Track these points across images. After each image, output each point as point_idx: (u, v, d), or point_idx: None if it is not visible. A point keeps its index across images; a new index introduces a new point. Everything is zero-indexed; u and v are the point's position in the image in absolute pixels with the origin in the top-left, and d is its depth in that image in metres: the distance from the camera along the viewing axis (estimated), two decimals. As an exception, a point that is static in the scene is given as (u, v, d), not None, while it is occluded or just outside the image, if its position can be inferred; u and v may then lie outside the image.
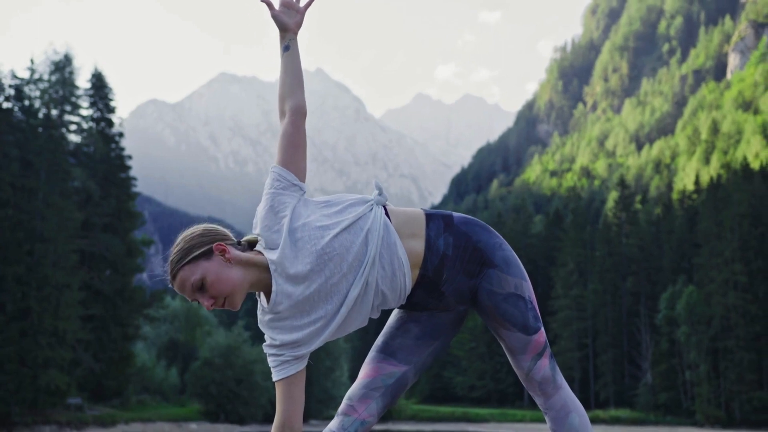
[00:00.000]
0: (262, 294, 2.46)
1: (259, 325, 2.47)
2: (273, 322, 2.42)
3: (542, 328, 2.53)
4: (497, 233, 2.54)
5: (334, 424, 2.51)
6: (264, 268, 2.39)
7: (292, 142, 2.50)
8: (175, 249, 2.40)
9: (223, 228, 2.48)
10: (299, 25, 2.63)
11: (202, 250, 2.36)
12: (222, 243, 2.37)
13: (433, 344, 2.59)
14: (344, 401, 2.53)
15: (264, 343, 2.46)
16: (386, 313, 2.75)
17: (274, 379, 2.43)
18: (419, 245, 2.44)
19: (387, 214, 2.46)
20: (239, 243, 2.47)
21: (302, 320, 2.39)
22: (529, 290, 2.50)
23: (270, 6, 2.60)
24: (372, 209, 2.43)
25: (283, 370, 2.41)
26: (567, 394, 2.58)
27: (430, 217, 2.49)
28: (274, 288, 2.36)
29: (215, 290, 2.33)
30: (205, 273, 2.32)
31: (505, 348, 2.56)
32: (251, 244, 2.48)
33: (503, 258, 2.48)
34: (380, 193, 2.47)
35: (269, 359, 2.44)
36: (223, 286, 2.32)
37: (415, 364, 2.57)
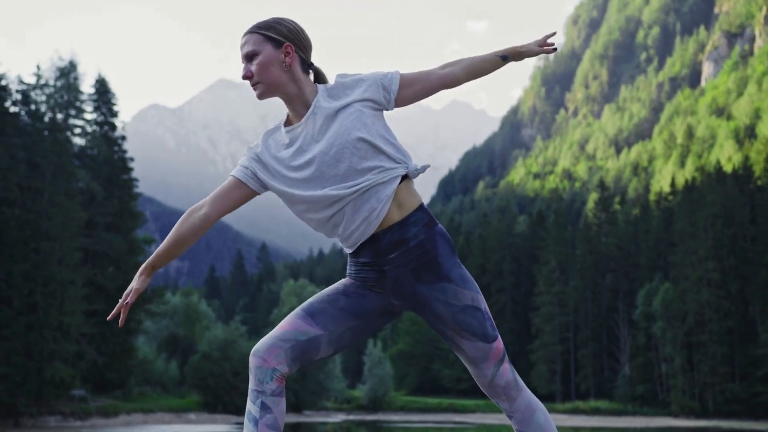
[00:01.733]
0: (281, 125, 2.54)
1: (262, 136, 2.54)
2: (273, 141, 2.52)
3: (499, 336, 2.51)
4: (458, 259, 2.53)
5: (251, 383, 2.44)
6: (303, 96, 2.48)
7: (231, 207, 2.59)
8: (266, 18, 2.50)
9: (308, 42, 2.53)
10: (140, 290, 2.51)
11: (276, 37, 2.44)
12: (293, 48, 2.46)
13: (353, 322, 2.50)
14: (252, 356, 2.45)
15: (250, 148, 2.52)
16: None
17: (231, 173, 2.52)
18: (398, 215, 2.44)
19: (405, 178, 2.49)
20: (310, 65, 2.53)
21: (290, 163, 2.45)
22: (484, 303, 2.50)
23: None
24: (402, 167, 2.45)
25: (242, 171, 2.50)
26: (528, 394, 2.56)
27: (423, 207, 2.49)
28: (311, 110, 2.46)
29: (256, 71, 2.43)
30: (260, 53, 2.43)
31: (466, 360, 2.51)
32: (317, 74, 2.55)
33: (459, 275, 2.47)
34: (419, 168, 2.49)
35: (243, 157, 2.52)
36: (264, 74, 2.43)
37: (330, 332, 2.47)
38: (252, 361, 2.45)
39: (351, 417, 50.25)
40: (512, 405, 2.54)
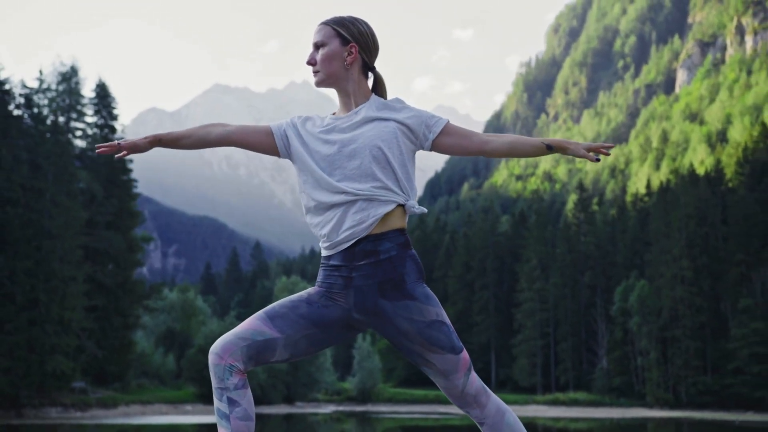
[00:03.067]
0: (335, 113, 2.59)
1: (298, 120, 2.58)
2: (313, 121, 2.57)
3: (464, 347, 2.50)
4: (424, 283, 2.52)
5: (213, 381, 2.42)
6: (355, 95, 2.53)
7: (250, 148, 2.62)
8: (344, 15, 2.55)
9: (375, 47, 2.56)
10: (138, 146, 2.48)
11: (345, 34, 2.50)
12: (358, 49, 2.51)
13: (311, 330, 2.46)
14: (210, 354, 2.43)
15: (291, 118, 2.59)
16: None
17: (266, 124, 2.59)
18: (378, 229, 2.44)
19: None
20: (372, 68, 2.57)
21: (318, 136, 2.50)
22: (447, 317, 2.48)
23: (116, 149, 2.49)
24: (403, 197, 2.47)
25: (276, 126, 2.56)
26: (496, 398, 2.54)
27: (404, 231, 2.49)
28: (354, 108, 2.52)
29: (320, 60, 2.50)
30: (327, 45, 2.50)
31: (436, 373, 2.48)
32: (376, 80, 2.60)
33: (423, 293, 2.45)
34: (417, 209, 2.49)
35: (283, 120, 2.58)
36: (324, 65, 2.50)
37: (287, 337, 2.44)
38: (210, 359, 2.44)
39: (341, 408, 50.23)
40: (483, 411, 2.51)
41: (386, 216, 2.45)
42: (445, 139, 2.52)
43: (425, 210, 2.53)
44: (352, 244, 2.44)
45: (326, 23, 2.52)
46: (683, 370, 52.59)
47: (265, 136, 2.56)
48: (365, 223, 2.42)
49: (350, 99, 2.54)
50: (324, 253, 2.52)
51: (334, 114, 2.58)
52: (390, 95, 2.64)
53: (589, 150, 2.50)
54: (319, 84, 2.53)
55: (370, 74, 2.61)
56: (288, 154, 2.55)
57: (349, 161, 2.44)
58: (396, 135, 2.47)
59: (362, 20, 2.55)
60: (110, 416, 33.98)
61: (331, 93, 2.70)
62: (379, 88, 2.61)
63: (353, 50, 2.50)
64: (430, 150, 2.55)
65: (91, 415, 34.11)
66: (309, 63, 2.52)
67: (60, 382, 34.38)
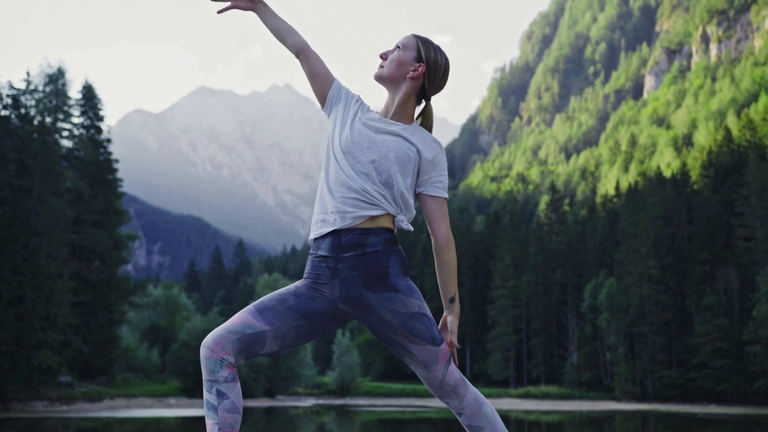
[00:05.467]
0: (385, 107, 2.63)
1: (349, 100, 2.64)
2: (362, 105, 2.63)
3: (444, 339, 2.51)
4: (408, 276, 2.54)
5: (204, 374, 2.43)
6: (398, 107, 2.56)
7: (309, 76, 2.67)
8: (433, 41, 2.61)
9: (440, 81, 2.60)
10: (239, 5, 2.67)
11: (422, 53, 2.56)
12: (423, 70, 2.55)
13: (299, 321, 2.48)
14: (201, 347, 2.44)
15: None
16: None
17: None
18: (366, 224, 2.47)
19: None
20: (426, 97, 2.61)
21: (353, 116, 2.58)
22: (428, 310, 2.50)
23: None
24: (395, 209, 2.51)
25: (338, 83, 2.65)
26: (474, 390, 2.56)
27: (392, 231, 2.52)
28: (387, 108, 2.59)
29: (389, 59, 2.57)
30: (402, 52, 2.57)
31: (417, 364, 2.49)
32: (424, 111, 2.63)
33: (406, 285, 2.47)
34: (405, 225, 2.54)
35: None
36: (391, 65, 2.56)
37: (276, 329, 2.46)
38: (202, 352, 2.44)
39: (321, 401, 50.13)
40: (462, 402, 2.53)
41: (376, 216, 2.47)
42: (429, 202, 2.55)
43: (411, 228, 2.58)
44: (339, 234, 2.46)
45: (415, 36, 2.59)
46: (650, 365, 52.98)
47: (327, 79, 2.64)
48: (353, 214, 2.45)
49: (393, 106, 2.58)
50: (313, 234, 2.54)
51: (376, 112, 2.63)
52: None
53: (450, 344, 2.54)
54: (376, 77, 2.60)
55: (423, 102, 2.65)
56: (328, 111, 2.63)
57: (362, 155, 2.49)
58: (411, 160, 2.51)
59: (445, 56, 2.60)
60: (95, 410, 33.70)
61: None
62: (425, 118, 2.64)
63: (419, 69, 2.54)
64: (414, 194, 2.59)
65: (76, 408, 33.81)
66: (381, 56, 2.60)
67: (46, 377, 34.05)
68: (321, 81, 2.63)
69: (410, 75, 2.54)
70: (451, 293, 2.55)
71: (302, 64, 2.66)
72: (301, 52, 2.62)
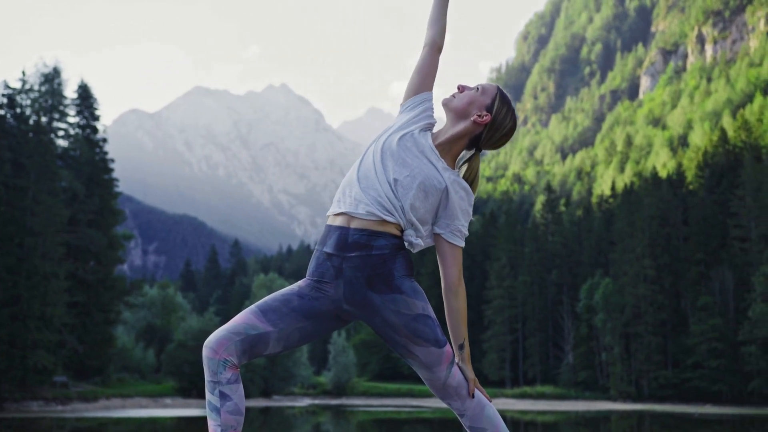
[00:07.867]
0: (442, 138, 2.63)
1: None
2: (426, 126, 2.64)
3: (448, 341, 2.51)
4: (413, 278, 2.56)
5: (207, 375, 2.42)
6: (448, 144, 2.59)
7: (416, 68, 2.72)
8: (508, 99, 2.64)
9: (499, 137, 2.62)
10: None
11: (492, 103, 2.58)
12: (488, 121, 2.57)
13: (303, 323, 2.47)
14: (204, 348, 2.43)
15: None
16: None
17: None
18: (376, 227, 2.46)
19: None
20: (478, 147, 2.63)
21: (403, 123, 2.62)
22: (432, 311, 2.50)
23: None
24: (405, 224, 2.51)
25: (429, 103, 2.70)
26: (476, 391, 2.55)
27: (401, 237, 2.51)
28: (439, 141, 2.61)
29: (463, 94, 2.60)
30: (479, 94, 2.59)
31: (420, 365, 2.49)
32: (470, 161, 2.65)
33: (411, 287, 2.47)
34: (414, 243, 2.53)
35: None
36: (462, 100, 2.59)
37: (280, 330, 2.45)
38: (204, 352, 2.42)
39: (317, 401, 50.12)
40: (465, 403, 2.52)
41: (387, 222, 2.47)
42: (445, 246, 2.55)
43: (421, 245, 2.56)
44: (347, 231, 2.46)
45: (499, 88, 2.62)
46: (645, 365, 53.04)
47: (427, 84, 2.70)
48: (367, 208, 2.46)
49: (445, 135, 2.60)
50: (330, 211, 2.55)
51: (433, 132, 2.65)
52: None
53: (473, 382, 2.55)
54: (444, 103, 2.63)
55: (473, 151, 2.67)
56: (403, 108, 2.68)
57: (395, 166, 2.49)
58: (436, 191, 2.50)
59: (515, 120, 2.63)
60: (91, 410, 33.64)
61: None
62: (469, 167, 2.65)
63: (485, 118, 2.56)
64: (430, 234, 2.58)
65: (71, 408, 33.75)
66: (459, 87, 2.64)
67: (41, 377, 34.00)
68: (422, 80, 2.67)
69: (474, 118, 2.56)
70: (461, 340, 2.54)
71: (425, 54, 2.70)
72: (435, 47, 2.68)
